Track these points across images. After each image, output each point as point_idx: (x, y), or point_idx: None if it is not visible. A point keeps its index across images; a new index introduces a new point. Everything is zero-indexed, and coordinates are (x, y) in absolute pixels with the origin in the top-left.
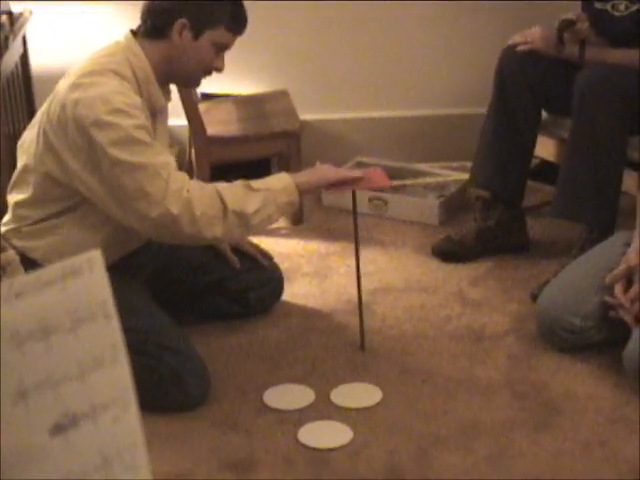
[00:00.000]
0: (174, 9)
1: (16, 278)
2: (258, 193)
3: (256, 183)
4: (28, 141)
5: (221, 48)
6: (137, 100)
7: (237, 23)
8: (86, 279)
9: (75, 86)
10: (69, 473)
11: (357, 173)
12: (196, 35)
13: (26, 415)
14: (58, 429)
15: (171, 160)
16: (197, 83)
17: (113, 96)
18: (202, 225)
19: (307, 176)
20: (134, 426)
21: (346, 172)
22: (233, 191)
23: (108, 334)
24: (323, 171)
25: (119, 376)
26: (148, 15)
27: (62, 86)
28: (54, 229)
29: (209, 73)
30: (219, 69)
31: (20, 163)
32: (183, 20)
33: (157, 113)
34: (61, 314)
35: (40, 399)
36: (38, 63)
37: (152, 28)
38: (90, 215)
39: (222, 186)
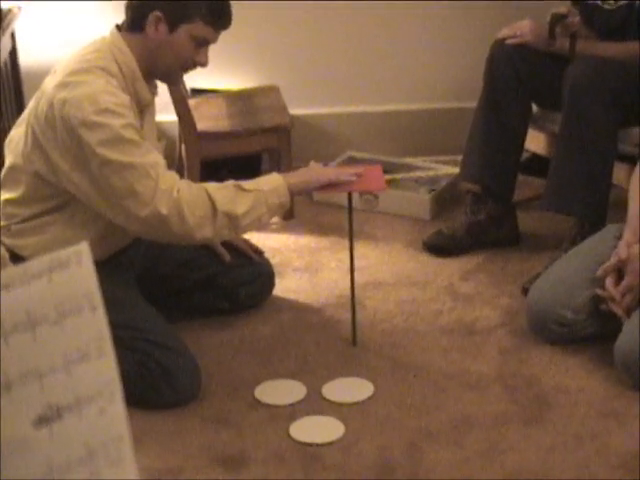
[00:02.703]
0: (149, 1)
1: (3, 270)
2: (249, 194)
3: (247, 184)
4: (16, 139)
5: (201, 42)
6: (125, 98)
7: (216, 17)
8: (73, 272)
9: (62, 85)
10: (53, 465)
11: (350, 175)
12: (172, 28)
13: (10, 406)
14: (42, 421)
15: (160, 159)
16: (176, 79)
17: (101, 95)
18: (191, 226)
19: (299, 177)
20: (119, 419)
21: (340, 173)
22: (223, 192)
23: (94, 327)
24: (316, 172)
25: (105, 368)
26: (127, 8)
27: (49, 84)
28: (43, 227)
29: (192, 67)
30: (202, 64)
31: (8, 161)
32: (157, 13)
33: (144, 108)
34: (47, 306)
35: (25, 390)
36: (27, 59)
37: (131, 21)
38: (79, 213)
39: (212, 186)
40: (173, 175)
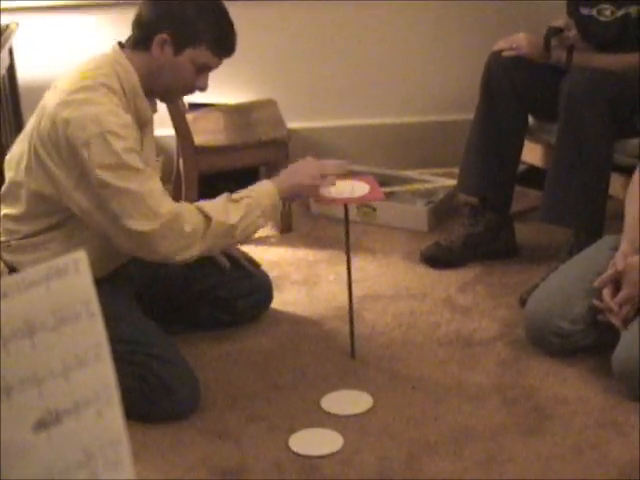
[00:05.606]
0: (157, 23)
1: (2, 278)
2: (239, 202)
3: (236, 194)
4: (17, 156)
5: (203, 68)
6: (127, 118)
7: (221, 46)
8: (71, 279)
9: (66, 103)
10: (52, 469)
11: (340, 167)
12: (177, 51)
13: (10, 411)
14: (41, 425)
15: (158, 185)
16: (174, 99)
17: (104, 116)
18: (187, 240)
19: (286, 181)
20: (117, 422)
21: (326, 166)
22: (214, 205)
23: (92, 333)
24: (303, 171)
25: (102, 373)
26: (135, 25)
27: (51, 101)
28: (43, 244)
29: (190, 91)
30: (201, 89)
31: (8, 177)
32: (164, 35)
33: (145, 124)
34: (46, 313)
35: (24, 396)
36: (25, 75)
37: (137, 39)
38: (78, 231)
39: (203, 203)
40: (170, 201)
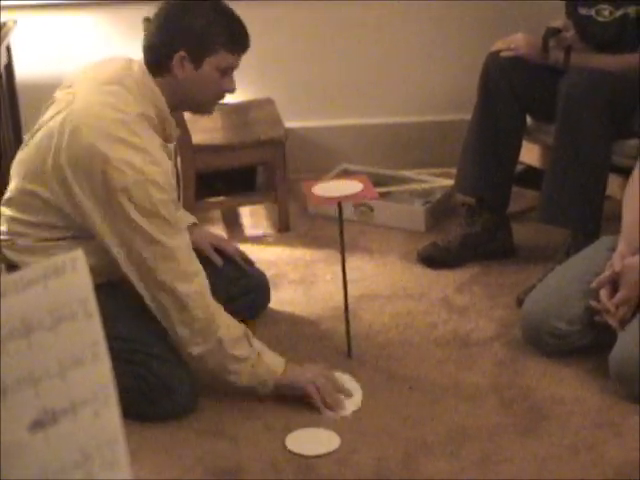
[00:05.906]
0: (170, 43)
1: (0, 277)
2: (250, 348)
3: (255, 340)
4: (33, 165)
5: (226, 71)
6: (167, 165)
7: (237, 43)
8: (68, 278)
9: (102, 131)
10: (48, 469)
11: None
12: (197, 65)
13: (6, 411)
14: (37, 425)
15: (187, 241)
16: (208, 111)
17: (146, 166)
18: (194, 327)
19: (292, 378)
20: (114, 422)
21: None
22: (235, 327)
23: (89, 332)
24: (312, 373)
25: (99, 373)
26: (147, 53)
27: (81, 117)
28: (49, 250)
29: (221, 97)
30: (230, 91)
31: (19, 183)
32: (181, 53)
33: (167, 144)
34: (43, 312)
35: (20, 396)
36: (23, 73)
37: (155, 65)
38: (88, 244)
39: (226, 315)
40: (197, 261)
